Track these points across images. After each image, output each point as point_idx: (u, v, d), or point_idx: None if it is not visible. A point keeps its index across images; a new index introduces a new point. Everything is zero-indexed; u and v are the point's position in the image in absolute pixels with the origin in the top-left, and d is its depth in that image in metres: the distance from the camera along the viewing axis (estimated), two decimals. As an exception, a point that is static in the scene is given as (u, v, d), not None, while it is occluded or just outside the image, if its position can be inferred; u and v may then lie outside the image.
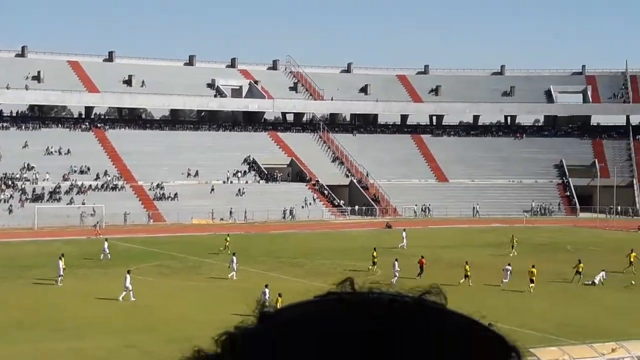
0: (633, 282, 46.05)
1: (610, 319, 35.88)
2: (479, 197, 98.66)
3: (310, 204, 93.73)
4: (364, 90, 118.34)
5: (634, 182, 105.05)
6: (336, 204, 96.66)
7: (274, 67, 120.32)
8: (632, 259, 51.36)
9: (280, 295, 32.60)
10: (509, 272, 44.84)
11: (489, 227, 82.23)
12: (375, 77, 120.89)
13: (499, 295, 42.01)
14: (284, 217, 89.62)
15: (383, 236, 70.63)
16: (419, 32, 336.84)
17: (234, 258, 47.72)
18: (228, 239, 60.44)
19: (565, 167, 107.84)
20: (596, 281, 45.59)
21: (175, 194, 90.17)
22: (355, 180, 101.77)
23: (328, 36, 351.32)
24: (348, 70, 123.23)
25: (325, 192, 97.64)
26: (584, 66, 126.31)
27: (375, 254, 51.18)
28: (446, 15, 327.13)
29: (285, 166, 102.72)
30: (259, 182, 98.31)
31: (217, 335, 1.13)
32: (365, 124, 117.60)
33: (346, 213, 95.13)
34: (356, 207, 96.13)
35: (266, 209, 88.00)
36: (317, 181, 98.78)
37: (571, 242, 67.16)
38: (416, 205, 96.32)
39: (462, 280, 44.45)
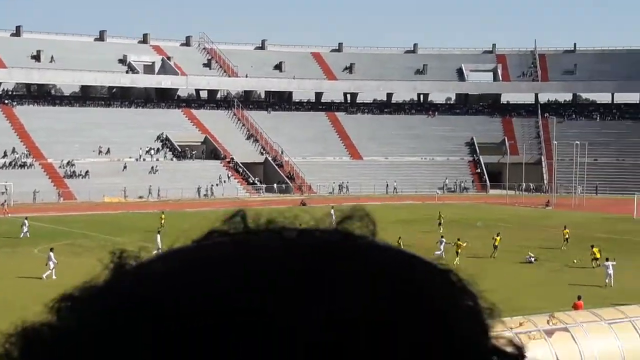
0: (575, 261, 45.82)
1: (525, 294, 36.60)
2: (393, 174, 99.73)
3: (224, 181, 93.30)
4: (278, 67, 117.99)
5: (542, 159, 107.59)
6: (251, 181, 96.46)
7: (187, 43, 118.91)
8: (566, 236, 52.27)
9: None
10: (442, 245, 46.10)
11: (403, 204, 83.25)
12: (289, 55, 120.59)
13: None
14: (199, 195, 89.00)
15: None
16: (333, 9, 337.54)
17: (158, 236, 46.22)
18: (163, 216, 58.79)
19: (476, 144, 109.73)
20: (532, 260, 46.43)
21: (87, 172, 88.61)
22: (270, 158, 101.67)
23: (242, 12, 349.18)
24: (262, 47, 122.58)
25: (240, 169, 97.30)
26: (494, 45, 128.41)
27: None
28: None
29: (199, 144, 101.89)
30: (172, 159, 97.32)
31: (54, 299, 0.80)
32: (279, 101, 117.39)
33: (261, 191, 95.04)
34: (274, 185, 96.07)
35: (180, 187, 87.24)
36: (232, 159, 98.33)
37: (482, 219, 68.40)
38: (334, 182, 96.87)
39: None
